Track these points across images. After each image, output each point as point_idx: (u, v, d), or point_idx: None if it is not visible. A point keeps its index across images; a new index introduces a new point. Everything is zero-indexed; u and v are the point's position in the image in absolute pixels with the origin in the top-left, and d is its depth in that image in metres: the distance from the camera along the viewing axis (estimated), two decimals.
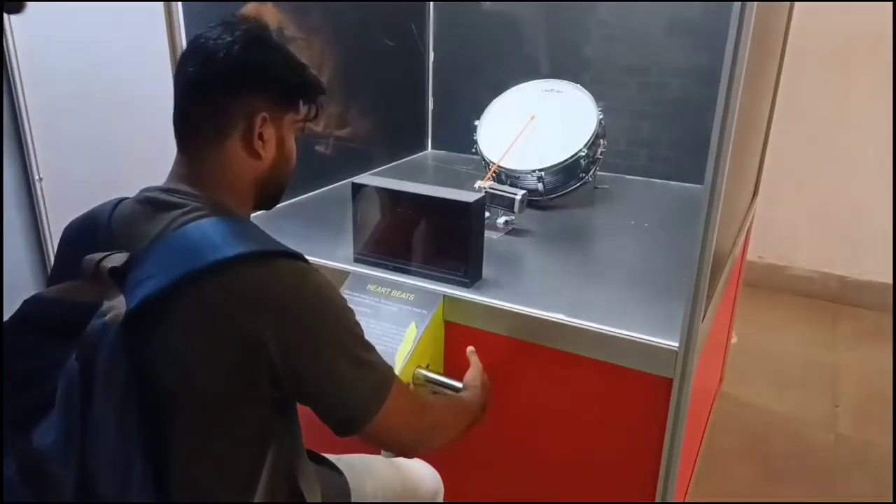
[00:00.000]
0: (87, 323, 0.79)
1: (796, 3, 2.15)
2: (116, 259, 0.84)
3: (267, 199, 1.02)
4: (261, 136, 0.94)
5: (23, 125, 2.12)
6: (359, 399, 0.91)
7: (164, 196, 0.92)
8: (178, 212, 0.89)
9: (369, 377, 0.92)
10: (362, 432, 0.92)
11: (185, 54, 0.94)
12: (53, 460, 0.78)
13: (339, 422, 0.92)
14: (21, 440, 0.80)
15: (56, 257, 0.98)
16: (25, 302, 0.86)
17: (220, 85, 0.92)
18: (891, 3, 2.95)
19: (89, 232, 0.94)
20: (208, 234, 0.86)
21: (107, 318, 0.78)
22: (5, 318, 0.87)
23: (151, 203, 0.92)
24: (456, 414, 1.12)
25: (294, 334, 0.85)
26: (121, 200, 0.96)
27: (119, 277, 0.83)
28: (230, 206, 0.94)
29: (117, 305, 0.79)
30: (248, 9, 1.80)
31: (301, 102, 0.99)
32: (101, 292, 0.82)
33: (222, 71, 0.91)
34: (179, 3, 1.56)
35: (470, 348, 1.33)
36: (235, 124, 0.93)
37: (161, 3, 1.54)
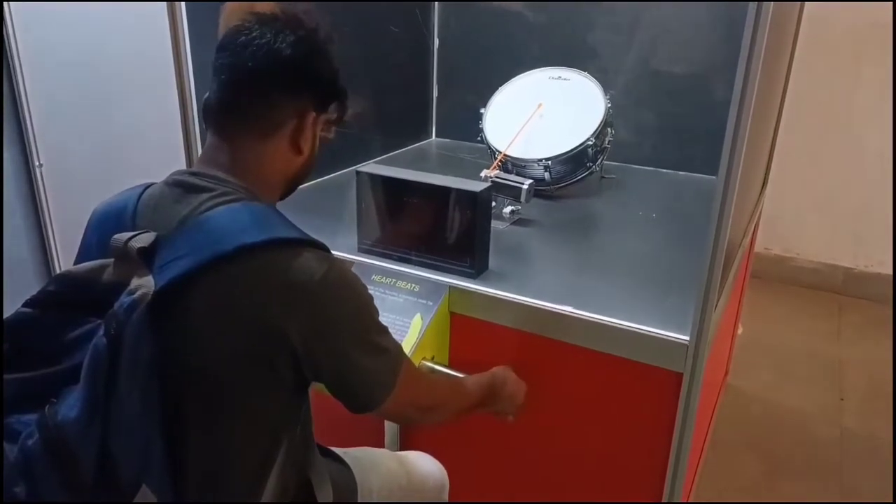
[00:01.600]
0: (114, 301, 0.80)
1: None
2: (144, 239, 0.84)
3: (290, 191, 1.05)
4: (305, 134, 0.98)
5: (23, 111, 2.09)
6: (374, 384, 0.94)
7: (193, 179, 0.92)
8: (207, 195, 0.90)
9: (384, 362, 0.95)
10: (371, 414, 0.96)
11: (237, 43, 0.93)
12: (75, 435, 0.79)
13: (353, 403, 0.95)
14: (45, 414, 0.81)
15: (84, 238, 0.99)
16: (53, 279, 0.87)
17: (282, 82, 0.94)
18: (891, 3, 2.91)
19: (117, 213, 0.94)
20: (237, 218, 0.87)
21: (135, 295, 0.79)
22: (5, 304, 0.86)
23: (180, 185, 0.92)
24: (456, 394, 1.16)
25: (317, 322, 0.87)
26: (150, 184, 0.97)
27: (147, 257, 0.83)
28: (259, 195, 0.95)
29: (146, 284, 0.80)
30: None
31: (333, 104, 1.03)
32: (128, 272, 0.83)
33: (287, 69, 0.93)
34: (182, 4, 1.53)
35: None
36: (287, 121, 0.96)
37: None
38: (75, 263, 0.91)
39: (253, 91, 0.93)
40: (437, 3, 2.59)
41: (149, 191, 0.95)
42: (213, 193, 0.90)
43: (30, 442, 0.79)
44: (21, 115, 2.09)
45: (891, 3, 2.94)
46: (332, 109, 1.03)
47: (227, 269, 0.83)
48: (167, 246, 0.84)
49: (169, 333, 0.81)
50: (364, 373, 0.93)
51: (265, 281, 0.84)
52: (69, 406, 0.80)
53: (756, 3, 0.98)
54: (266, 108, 0.94)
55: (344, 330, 0.90)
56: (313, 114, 0.97)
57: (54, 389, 0.82)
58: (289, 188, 1.04)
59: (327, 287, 0.87)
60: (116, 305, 0.79)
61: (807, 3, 2.13)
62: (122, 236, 0.84)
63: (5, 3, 1.95)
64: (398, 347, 0.99)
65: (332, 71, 1.00)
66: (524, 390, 1.26)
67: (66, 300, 0.85)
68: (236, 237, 0.84)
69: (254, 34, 0.92)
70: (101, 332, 0.79)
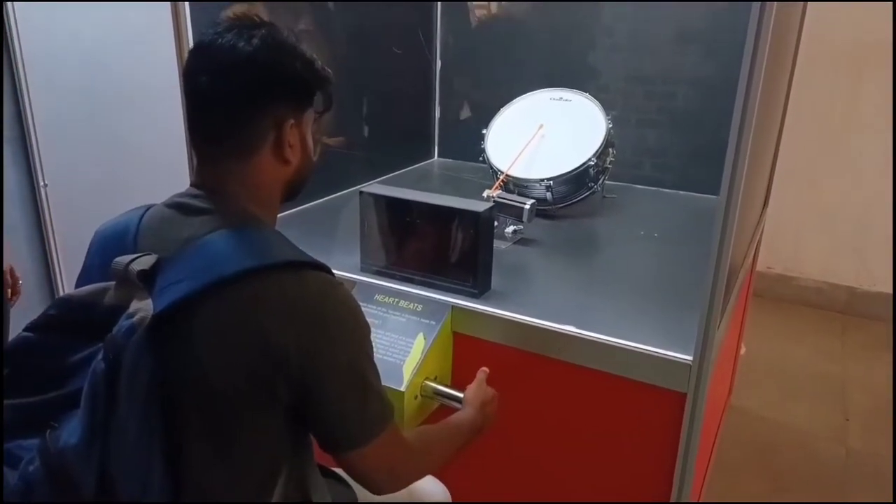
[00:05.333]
0: (114, 325, 0.80)
1: (808, 10, 2.14)
2: (145, 262, 0.84)
3: (292, 196, 1.01)
4: (289, 143, 0.93)
5: (28, 132, 2.11)
6: (358, 423, 0.91)
7: (193, 201, 0.92)
8: (207, 217, 0.90)
9: (373, 405, 0.92)
10: (342, 456, 0.92)
11: (198, 61, 0.91)
12: (76, 460, 0.78)
13: (325, 438, 0.92)
14: (45, 439, 0.80)
15: (86, 260, 0.98)
16: (53, 303, 0.86)
17: (246, 98, 0.90)
18: (891, 4, 2.93)
19: (119, 236, 0.94)
20: (238, 241, 0.87)
21: (134, 319, 0.79)
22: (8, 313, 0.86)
23: (180, 208, 0.92)
24: (440, 452, 1.10)
25: (315, 345, 0.85)
26: (151, 206, 0.96)
27: (147, 280, 0.83)
28: (258, 213, 0.94)
29: (145, 308, 0.80)
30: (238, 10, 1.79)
31: (316, 96, 0.98)
32: (129, 295, 0.82)
33: (247, 83, 0.89)
34: (186, 4, 1.52)
35: (483, 369, 1.30)
36: (265, 137, 0.92)
37: (168, 5, 1.52)
38: (77, 286, 0.90)
39: (220, 111, 0.90)
40: (438, 25, 2.61)
41: (149, 212, 0.95)
42: (214, 215, 0.90)
43: (31, 468, 0.79)
44: (26, 136, 2.11)
45: (890, 18, 2.95)
46: (318, 102, 0.97)
47: (229, 293, 0.83)
48: (168, 269, 0.84)
49: (169, 357, 0.81)
50: (348, 408, 0.90)
51: (267, 303, 0.84)
52: (70, 432, 0.79)
53: (759, 3, 0.98)
54: (237, 127, 0.91)
55: (339, 355, 0.88)
56: (291, 120, 0.92)
57: (56, 414, 0.81)
58: (290, 193, 1.00)
59: (329, 309, 0.87)
60: (115, 329, 0.79)
61: (806, 22, 2.14)
62: (124, 259, 0.84)
63: (12, 25, 1.97)
64: (388, 403, 0.95)
65: (304, 68, 0.93)
66: (496, 402, 1.25)
67: (68, 324, 0.85)
68: (238, 261, 0.84)
69: (212, 49, 0.89)
70: (100, 356, 0.78)
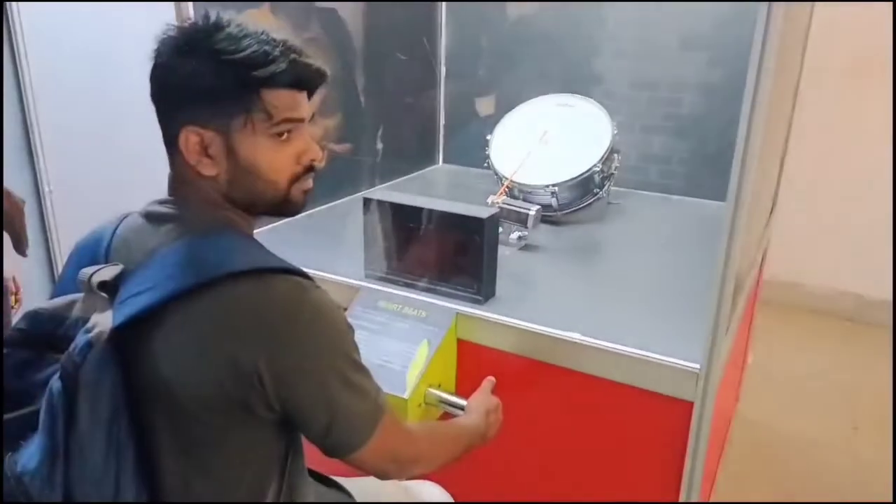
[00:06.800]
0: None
1: (812, 20, 2.13)
2: (107, 272, 0.81)
3: (268, 209, 0.93)
4: (206, 152, 0.86)
5: (33, 137, 2.12)
6: (349, 427, 0.87)
7: (161, 209, 0.90)
8: (172, 225, 0.87)
9: (362, 406, 0.88)
10: (344, 459, 0.90)
11: None
12: (36, 485, 0.75)
13: (326, 446, 0.89)
14: (7, 461, 0.77)
15: (62, 272, 0.96)
16: (24, 317, 0.83)
17: (154, 101, 0.88)
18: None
19: (93, 247, 0.92)
20: (199, 251, 0.84)
21: (91, 334, 0.75)
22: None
23: (150, 217, 0.90)
24: (445, 445, 1.07)
25: (287, 356, 0.81)
26: (128, 215, 0.94)
27: (111, 292, 0.80)
28: (223, 218, 0.90)
29: (103, 321, 0.76)
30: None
31: (257, 102, 0.85)
32: (94, 307, 0.80)
33: (152, 87, 0.88)
34: (190, 4, 1.50)
35: (489, 378, 1.27)
36: (173, 142, 0.88)
37: (172, 6, 1.52)
38: (51, 298, 0.88)
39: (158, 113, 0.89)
40: (443, 31, 2.61)
41: (124, 222, 0.92)
42: (178, 224, 0.87)
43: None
44: (31, 141, 2.11)
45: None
46: (266, 103, 0.85)
47: (193, 303, 0.79)
48: (131, 280, 0.81)
49: (134, 372, 0.77)
50: (338, 413, 0.86)
51: (232, 313, 0.80)
52: (29, 456, 0.76)
53: (766, 7, 0.96)
54: (161, 129, 0.89)
55: (316, 362, 0.84)
56: (191, 128, 0.84)
57: (25, 432, 0.78)
58: (249, 209, 0.92)
59: (298, 315, 0.83)
60: (72, 346, 0.75)
61: (815, 29, 2.13)
62: (88, 270, 0.81)
63: (17, 30, 1.97)
64: (380, 396, 0.92)
65: (215, 72, 0.83)
66: (500, 411, 1.22)
67: (39, 338, 0.82)
68: (201, 270, 0.80)
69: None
70: (58, 374, 0.75)
